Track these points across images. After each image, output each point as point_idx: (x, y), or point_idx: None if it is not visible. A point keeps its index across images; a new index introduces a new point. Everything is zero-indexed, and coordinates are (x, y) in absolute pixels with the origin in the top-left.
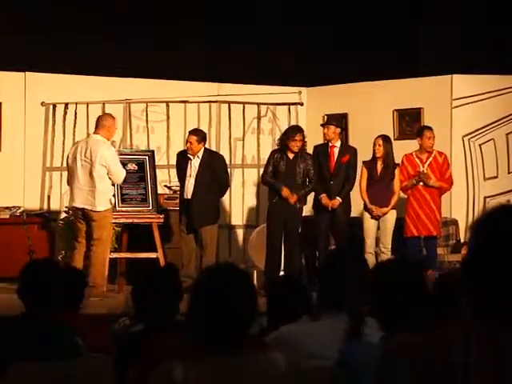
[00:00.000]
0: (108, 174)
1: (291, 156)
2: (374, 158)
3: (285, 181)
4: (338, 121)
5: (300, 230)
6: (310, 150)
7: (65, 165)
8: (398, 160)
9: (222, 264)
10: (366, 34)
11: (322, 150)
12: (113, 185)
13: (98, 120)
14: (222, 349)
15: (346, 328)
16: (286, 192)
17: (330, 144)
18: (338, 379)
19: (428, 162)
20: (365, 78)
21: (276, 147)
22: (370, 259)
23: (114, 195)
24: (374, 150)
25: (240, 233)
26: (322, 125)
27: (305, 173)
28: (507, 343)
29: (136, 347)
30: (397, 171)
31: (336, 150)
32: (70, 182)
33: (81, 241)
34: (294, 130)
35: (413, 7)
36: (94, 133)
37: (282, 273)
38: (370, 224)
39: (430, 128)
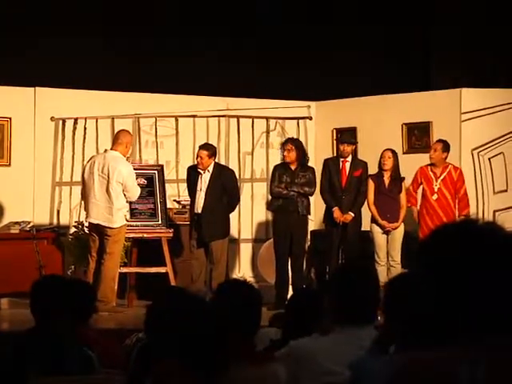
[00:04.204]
0: (123, 190)
1: (293, 167)
2: (381, 171)
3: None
4: (354, 136)
5: (309, 242)
6: (319, 163)
7: (74, 179)
8: (405, 173)
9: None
10: (375, 48)
11: (334, 163)
12: (127, 202)
13: (116, 136)
14: (202, 370)
15: (373, 342)
16: None
17: (342, 158)
18: None
19: (442, 177)
20: (373, 92)
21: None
22: (383, 272)
23: (127, 211)
24: (381, 163)
25: (249, 247)
26: (341, 142)
27: (305, 182)
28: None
29: (148, 362)
30: (403, 184)
31: (348, 165)
32: (85, 196)
33: (94, 256)
34: (286, 140)
35: (423, 23)
36: (112, 149)
37: (290, 286)
38: (380, 237)
39: (439, 141)
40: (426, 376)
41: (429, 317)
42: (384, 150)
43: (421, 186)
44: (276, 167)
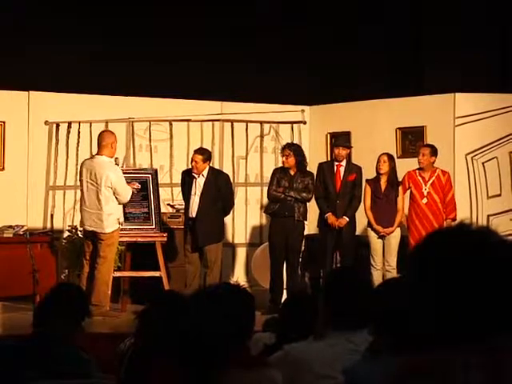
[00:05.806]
0: (114, 194)
1: (292, 172)
2: (378, 176)
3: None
4: (348, 140)
5: (303, 247)
6: (313, 167)
7: (68, 183)
8: (399, 178)
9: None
10: (369, 52)
11: (328, 167)
12: (119, 204)
13: (99, 139)
14: (200, 372)
15: (369, 345)
16: None
17: (337, 162)
18: None
19: (431, 181)
20: (367, 97)
21: (279, 165)
22: (378, 277)
23: (121, 213)
24: (377, 167)
25: (243, 251)
26: (336, 145)
27: (303, 187)
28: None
29: (141, 366)
30: (400, 189)
31: (342, 169)
32: (80, 202)
33: (88, 260)
34: (283, 146)
35: (416, 26)
36: (98, 153)
37: (284, 291)
38: (376, 242)
39: (426, 145)
40: (424, 379)
41: (421, 320)
42: (380, 155)
43: (408, 191)
44: (275, 171)
